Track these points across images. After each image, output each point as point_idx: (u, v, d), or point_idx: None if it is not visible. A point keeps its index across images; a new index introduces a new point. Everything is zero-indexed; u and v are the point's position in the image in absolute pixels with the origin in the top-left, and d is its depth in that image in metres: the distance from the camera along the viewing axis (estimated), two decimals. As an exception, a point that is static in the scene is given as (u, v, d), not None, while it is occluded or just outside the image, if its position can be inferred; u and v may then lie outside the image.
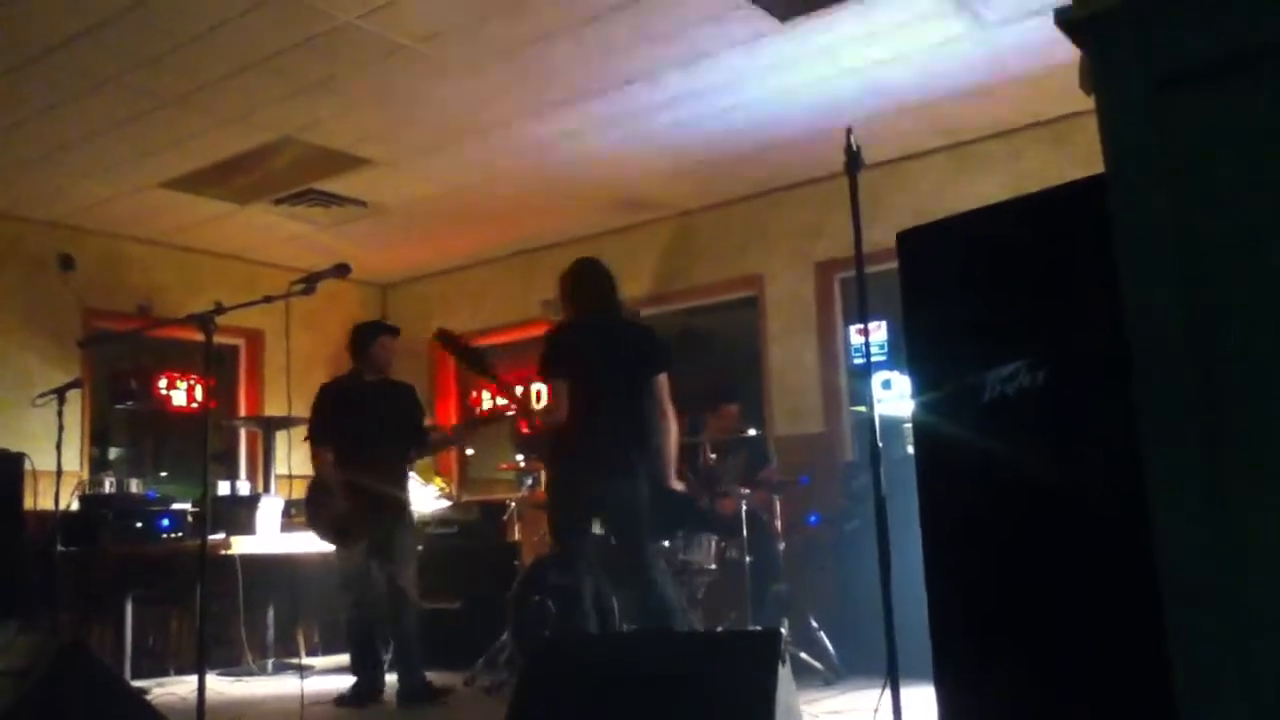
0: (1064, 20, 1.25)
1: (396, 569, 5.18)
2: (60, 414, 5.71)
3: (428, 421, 5.72)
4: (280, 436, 7.36)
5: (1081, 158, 5.53)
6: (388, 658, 5.30)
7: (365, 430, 5.22)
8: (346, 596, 5.24)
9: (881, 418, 3.12)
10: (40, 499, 5.94)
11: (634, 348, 4.47)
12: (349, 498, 5.12)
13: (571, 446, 4.24)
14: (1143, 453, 1.18)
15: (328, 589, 6.04)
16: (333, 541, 5.23)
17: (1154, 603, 1.17)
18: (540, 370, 4.41)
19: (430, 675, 5.23)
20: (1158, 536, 1.17)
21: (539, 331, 8.17)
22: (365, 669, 5.20)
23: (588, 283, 4.54)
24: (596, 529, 4.53)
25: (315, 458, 5.31)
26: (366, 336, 5.48)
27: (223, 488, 6.92)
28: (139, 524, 6.21)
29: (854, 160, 3.08)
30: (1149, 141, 1.17)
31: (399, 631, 5.18)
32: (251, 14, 4.60)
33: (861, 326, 3.20)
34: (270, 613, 6.82)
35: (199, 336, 3.88)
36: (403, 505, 5.32)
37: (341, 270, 4.13)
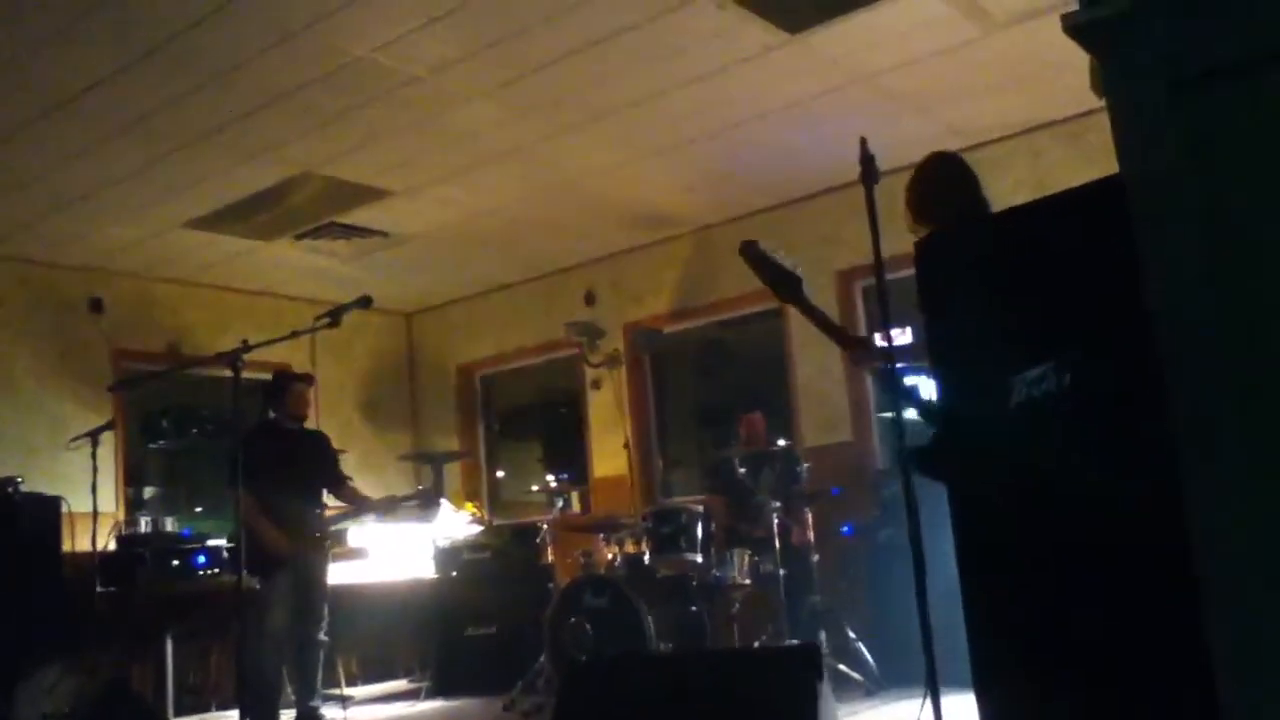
0: (1072, 25, 1.25)
1: (315, 601, 5.37)
2: (94, 456, 5.79)
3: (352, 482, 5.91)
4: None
5: (1099, 155, 5.51)
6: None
7: (282, 477, 5.33)
8: (261, 630, 5.25)
9: (908, 423, 3.10)
10: (77, 541, 6.00)
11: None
12: (270, 537, 5.22)
13: None
14: (1179, 454, 1.17)
15: (367, 620, 5.99)
16: (259, 576, 5.24)
17: (1193, 604, 1.16)
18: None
19: (469, 701, 5.23)
20: (1195, 537, 1.16)
21: (563, 354, 8.28)
22: (270, 702, 5.28)
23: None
24: None
25: (238, 501, 5.38)
26: (280, 385, 5.64)
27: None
28: (175, 562, 6.26)
29: (869, 168, 3.07)
30: (1168, 142, 1.16)
31: (306, 662, 5.38)
32: (268, 53, 4.66)
33: (885, 333, 3.18)
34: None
35: (228, 373, 3.94)
36: (320, 544, 5.50)
37: (364, 302, 4.18)
